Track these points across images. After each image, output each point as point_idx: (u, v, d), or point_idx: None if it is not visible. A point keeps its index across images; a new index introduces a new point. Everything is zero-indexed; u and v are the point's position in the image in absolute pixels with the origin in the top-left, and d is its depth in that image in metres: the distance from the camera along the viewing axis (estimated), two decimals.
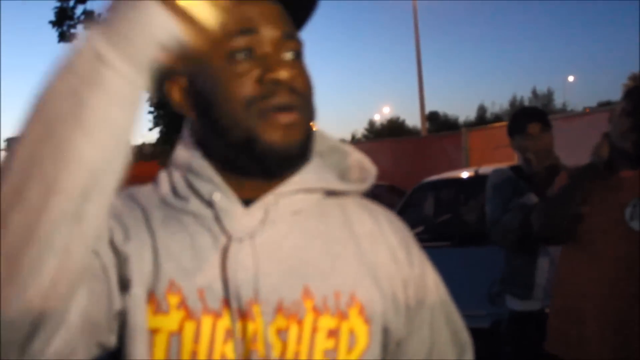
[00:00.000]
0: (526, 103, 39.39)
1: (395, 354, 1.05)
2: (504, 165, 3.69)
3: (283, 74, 0.92)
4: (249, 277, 0.92)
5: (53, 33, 14.91)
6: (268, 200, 0.97)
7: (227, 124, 0.94)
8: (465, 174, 6.54)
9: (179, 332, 0.91)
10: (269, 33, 0.94)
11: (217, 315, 0.92)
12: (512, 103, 42.20)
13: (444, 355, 1.08)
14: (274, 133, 0.92)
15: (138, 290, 0.90)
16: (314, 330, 0.94)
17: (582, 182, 2.41)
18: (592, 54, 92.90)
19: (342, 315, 0.95)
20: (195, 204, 0.97)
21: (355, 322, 0.96)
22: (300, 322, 0.93)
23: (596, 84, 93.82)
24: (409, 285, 1.04)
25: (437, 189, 6.67)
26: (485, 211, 3.38)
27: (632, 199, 2.34)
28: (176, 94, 1.00)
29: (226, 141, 0.95)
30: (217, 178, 0.97)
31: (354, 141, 29.65)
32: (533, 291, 3.17)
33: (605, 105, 16.87)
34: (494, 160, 9.28)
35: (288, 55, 0.95)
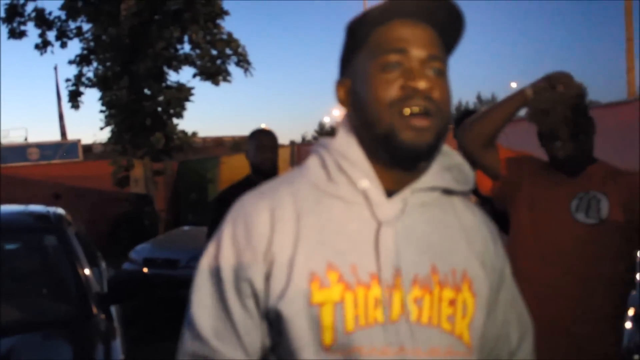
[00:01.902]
0: (471, 107, 40.06)
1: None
2: None
3: (422, 84, 1.10)
4: (393, 256, 1.11)
5: (2, 30, 14.57)
6: (405, 193, 1.16)
7: (372, 119, 1.14)
8: None
9: (342, 301, 1.09)
10: (416, 53, 1.13)
11: (367, 286, 1.10)
12: (458, 107, 42.90)
13: (511, 333, 1.31)
14: (409, 133, 1.10)
15: (296, 282, 1.09)
16: (440, 299, 1.13)
17: (509, 101, 2.45)
18: (535, 61, 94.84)
19: (458, 289, 1.16)
20: (345, 189, 1.16)
21: (467, 294, 1.17)
22: (431, 293, 1.13)
23: None
24: (495, 272, 1.26)
25: None
26: None
27: (579, 193, 2.40)
28: (341, 93, 1.23)
29: (371, 134, 1.15)
30: (367, 167, 1.16)
31: (304, 142, 29.67)
32: None
33: None
34: None
35: (430, 72, 1.13)
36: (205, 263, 1.19)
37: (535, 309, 2.39)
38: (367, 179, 1.15)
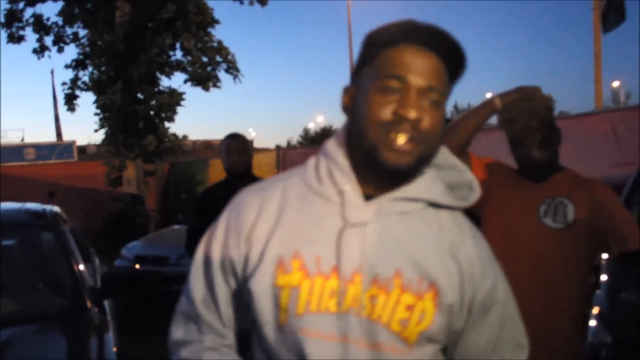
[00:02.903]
0: (448, 115, 40.19)
1: (457, 343, 1.25)
2: None
3: (412, 114, 1.13)
4: (356, 254, 1.15)
5: (2, 34, 14.45)
6: (382, 200, 1.20)
7: (362, 132, 1.17)
8: None
9: (298, 286, 1.15)
10: (415, 82, 1.15)
11: (326, 277, 1.15)
12: None
13: (502, 352, 1.29)
14: (390, 154, 1.14)
15: (265, 265, 1.18)
16: (397, 302, 1.15)
17: (479, 110, 2.47)
18: (508, 73, 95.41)
19: (420, 297, 1.16)
20: (328, 189, 1.22)
21: (428, 304, 1.17)
22: (388, 294, 1.15)
23: None
24: (477, 294, 1.23)
25: None
26: None
27: (547, 199, 2.43)
28: (346, 99, 1.26)
29: (359, 145, 1.18)
30: (351, 174, 1.21)
31: (290, 147, 29.62)
32: None
33: None
34: None
35: (425, 102, 1.15)
36: (202, 243, 1.32)
37: None
38: (348, 183, 1.20)
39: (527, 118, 2.36)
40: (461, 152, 2.54)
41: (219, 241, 1.27)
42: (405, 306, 1.15)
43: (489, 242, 2.52)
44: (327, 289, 1.15)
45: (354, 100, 1.22)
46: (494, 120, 2.59)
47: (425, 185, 1.23)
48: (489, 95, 2.45)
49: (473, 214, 2.84)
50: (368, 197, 1.20)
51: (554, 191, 2.43)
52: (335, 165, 1.22)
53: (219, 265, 1.27)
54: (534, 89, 2.42)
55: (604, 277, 3.22)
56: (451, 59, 1.18)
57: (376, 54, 1.18)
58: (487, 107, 2.45)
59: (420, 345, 1.18)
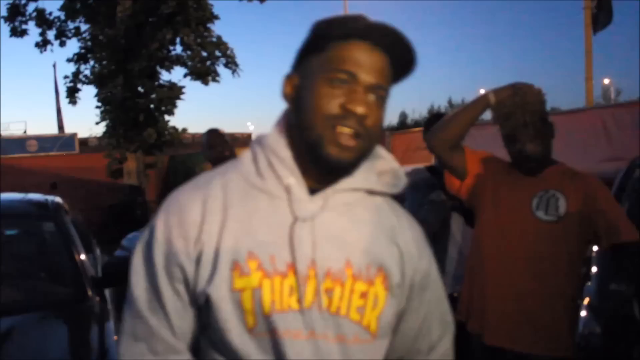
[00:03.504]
0: (442, 111, 40.26)
1: (399, 322, 1.26)
2: (422, 165, 3.77)
3: (360, 110, 1.11)
4: (309, 249, 1.13)
5: (4, 28, 14.40)
6: (328, 193, 1.18)
7: (307, 124, 1.14)
8: None
9: (259, 287, 1.11)
10: (364, 79, 1.13)
11: (284, 275, 1.12)
12: (430, 111, 43.09)
13: (432, 329, 1.32)
14: (334, 148, 1.12)
15: (221, 269, 1.11)
16: (351, 291, 1.15)
17: (473, 105, 2.49)
18: (500, 69, 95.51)
19: (371, 282, 1.17)
20: (271, 184, 1.17)
21: (379, 288, 1.18)
22: (342, 285, 1.15)
23: None
24: (417, 273, 1.26)
25: None
26: (404, 207, 3.45)
27: (539, 192, 2.43)
28: (288, 88, 1.20)
29: (302, 136, 1.15)
30: (295, 167, 1.17)
31: None
32: (443, 278, 3.25)
33: None
34: (414, 161, 9.42)
35: (372, 98, 1.14)
36: (139, 248, 1.20)
37: (498, 296, 2.45)
38: (293, 176, 1.16)
39: (521, 113, 2.37)
40: (456, 146, 2.54)
41: (160, 246, 1.15)
42: (359, 294, 1.15)
43: (483, 232, 2.55)
44: (286, 287, 1.12)
45: (298, 89, 1.18)
46: (487, 115, 2.59)
47: (363, 175, 1.22)
48: (482, 91, 2.45)
49: (467, 207, 2.85)
50: (312, 190, 1.18)
51: (547, 184, 2.44)
52: (277, 159, 1.18)
53: (165, 273, 1.14)
54: (526, 85, 2.43)
55: (594, 269, 3.22)
56: (400, 59, 1.18)
57: (329, 44, 1.14)
58: (481, 102, 2.46)
59: (385, 336, 1.21)
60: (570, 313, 2.46)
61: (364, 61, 1.13)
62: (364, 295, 1.16)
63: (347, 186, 1.19)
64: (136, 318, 1.16)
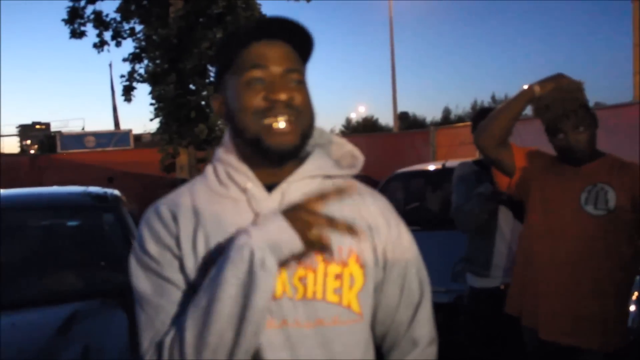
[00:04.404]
0: (486, 105, 39.55)
1: (377, 294, 1.28)
2: (468, 159, 3.72)
3: (282, 96, 1.16)
4: None
5: (65, 30, 14.77)
6: (283, 186, 1.21)
7: (241, 127, 1.19)
8: (432, 167, 6.54)
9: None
10: (275, 68, 1.18)
11: None
12: (474, 106, 42.44)
13: (411, 297, 1.32)
14: (271, 138, 1.16)
15: (198, 265, 1.15)
16: (325, 275, 1.18)
17: (518, 98, 2.43)
18: (542, 65, 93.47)
19: (344, 264, 1.19)
20: (234, 191, 1.22)
21: (354, 267, 1.21)
22: (314, 271, 1.17)
23: None
24: (388, 243, 1.28)
25: (407, 179, 6.68)
26: (451, 199, 3.40)
27: (587, 186, 2.37)
28: (216, 106, 1.27)
29: (243, 139, 1.20)
30: (249, 172, 1.21)
31: None
32: (490, 270, 3.20)
33: None
34: (458, 155, 9.32)
35: (291, 83, 1.18)
36: (132, 258, 1.23)
37: (550, 293, 2.39)
38: (249, 181, 1.21)
39: (560, 103, 2.30)
40: (502, 143, 2.49)
41: (150, 241, 1.19)
42: (333, 276, 1.18)
43: (532, 230, 2.50)
44: None
45: (226, 105, 1.24)
46: (529, 110, 2.53)
47: (316, 162, 1.25)
48: (525, 86, 2.40)
49: (517, 201, 2.80)
50: (272, 186, 1.21)
51: (594, 178, 2.37)
52: (232, 168, 1.23)
53: (161, 259, 1.18)
54: (563, 76, 2.35)
55: None
56: (298, 44, 1.21)
57: (235, 55, 1.20)
58: (526, 95, 2.40)
59: (368, 312, 1.24)
60: (622, 307, 2.40)
61: (270, 53, 1.18)
62: (338, 277, 1.19)
63: (301, 175, 1.22)
64: (145, 309, 1.18)
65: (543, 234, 2.44)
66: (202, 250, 1.17)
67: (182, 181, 11.87)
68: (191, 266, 1.16)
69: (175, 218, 1.19)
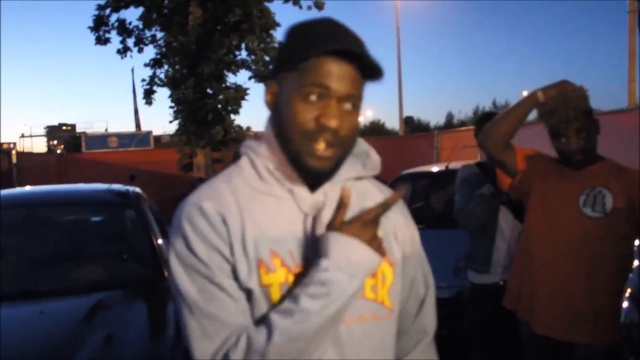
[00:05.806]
0: (487, 110, 39.37)
1: None
2: (471, 161, 3.72)
3: (333, 123, 1.12)
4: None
5: (91, 37, 14.87)
6: (325, 187, 1.20)
7: (287, 137, 1.15)
8: (436, 169, 6.54)
9: (286, 281, 1.12)
10: (336, 90, 1.12)
11: (304, 268, 1.13)
12: (475, 111, 42.31)
13: (418, 290, 1.35)
14: (311, 159, 1.14)
15: (250, 266, 1.11)
16: None
17: (523, 103, 2.43)
18: (544, 72, 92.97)
19: None
20: (275, 188, 1.18)
21: (385, 265, 1.22)
22: None
23: None
24: (406, 242, 1.30)
25: (412, 180, 6.68)
26: (454, 200, 3.41)
27: (586, 189, 2.37)
28: (269, 96, 1.20)
29: (285, 147, 1.17)
30: (291, 171, 1.18)
31: None
32: (490, 267, 3.21)
33: None
34: (460, 158, 9.31)
35: (347, 106, 1.14)
36: (173, 256, 1.14)
37: (546, 291, 2.39)
38: (292, 180, 1.18)
39: (564, 108, 2.30)
40: (506, 145, 2.50)
41: (197, 240, 1.12)
42: (371, 275, 1.17)
43: (532, 230, 2.50)
44: None
45: (277, 99, 1.19)
46: (531, 115, 2.54)
47: (350, 164, 1.24)
48: (525, 93, 2.40)
49: (517, 202, 2.80)
50: (310, 186, 1.19)
51: (593, 181, 2.37)
52: (274, 165, 1.18)
53: (210, 262, 1.11)
54: (567, 82, 2.36)
55: (636, 262, 3.13)
56: (368, 71, 1.16)
57: (301, 62, 1.12)
58: (530, 100, 2.40)
59: (397, 308, 1.25)
60: (615, 303, 2.39)
61: (335, 74, 1.12)
62: (374, 275, 1.18)
63: (341, 177, 1.22)
64: (196, 316, 1.11)
65: (542, 234, 2.44)
66: (252, 253, 1.12)
67: (200, 180, 11.88)
68: (244, 270, 1.11)
69: (224, 219, 1.13)
